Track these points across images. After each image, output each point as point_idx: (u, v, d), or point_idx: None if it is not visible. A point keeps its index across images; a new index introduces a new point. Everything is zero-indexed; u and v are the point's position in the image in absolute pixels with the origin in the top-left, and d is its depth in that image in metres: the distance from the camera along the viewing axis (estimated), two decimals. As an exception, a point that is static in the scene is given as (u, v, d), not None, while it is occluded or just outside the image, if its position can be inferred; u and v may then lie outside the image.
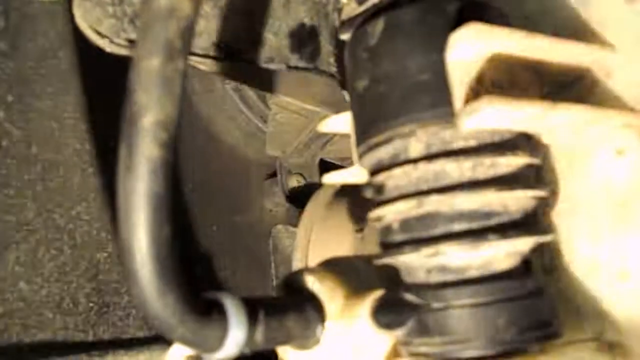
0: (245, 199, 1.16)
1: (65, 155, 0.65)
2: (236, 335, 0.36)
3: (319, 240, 0.72)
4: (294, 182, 1.14)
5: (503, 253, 0.37)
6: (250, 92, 1.13)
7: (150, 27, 0.29)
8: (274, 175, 1.18)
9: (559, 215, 0.43)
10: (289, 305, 0.40)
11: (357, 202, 0.71)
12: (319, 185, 1.09)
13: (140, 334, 0.75)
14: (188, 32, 0.30)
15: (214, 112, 1.12)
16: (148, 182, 0.30)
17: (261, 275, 1.10)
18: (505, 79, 0.37)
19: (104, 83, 0.74)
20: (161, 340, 0.78)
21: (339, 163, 1.18)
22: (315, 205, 0.76)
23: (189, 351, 0.37)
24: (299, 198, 1.12)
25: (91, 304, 0.68)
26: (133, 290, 0.32)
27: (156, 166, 0.30)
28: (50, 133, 0.64)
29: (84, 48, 0.66)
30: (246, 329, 0.36)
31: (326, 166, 1.18)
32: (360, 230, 0.68)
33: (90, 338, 0.67)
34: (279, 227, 1.04)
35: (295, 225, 1.02)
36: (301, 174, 1.15)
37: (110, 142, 0.73)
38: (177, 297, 0.32)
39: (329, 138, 1.08)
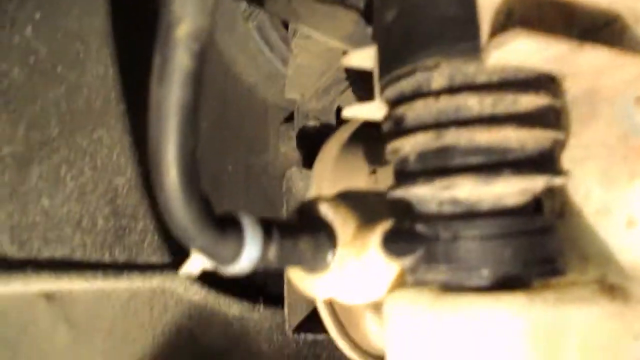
0: (261, 141, 1.17)
1: (88, 78, 0.66)
2: (251, 250, 0.37)
3: (332, 181, 0.73)
4: (311, 126, 1.14)
5: (515, 189, 0.37)
6: (272, 33, 1.12)
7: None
8: (291, 119, 1.19)
9: (574, 162, 0.43)
10: (303, 229, 0.42)
11: (372, 145, 0.72)
12: (336, 130, 1.10)
13: (154, 259, 0.78)
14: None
15: (235, 51, 1.12)
16: (179, 92, 0.31)
17: (273, 215, 1.12)
18: (534, 16, 0.37)
19: (131, 9, 0.75)
20: (173, 266, 0.81)
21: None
22: (330, 147, 0.77)
23: (206, 263, 0.38)
24: (315, 143, 1.13)
25: (109, 226, 0.70)
26: (159, 196, 0.33)
27: (187, 77, 0.31)
28: (75, 54, 0.64)
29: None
30: (261, 245, 0.38)
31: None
32: (374, 172, 0.69)
33: (107, 258, 0.70)
34: (293, 169, 1.05)
35: (309, 168, 1.03)
36: (318, 119, 1.15)
37: (133, 69, 0.73)
38: (199, 207, 0.34)
39: (348, 85, 1.08)
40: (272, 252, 0.39)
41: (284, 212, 1.10)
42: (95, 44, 0.67)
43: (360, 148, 0.72)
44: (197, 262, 0.40)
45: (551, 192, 0.43)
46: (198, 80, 0.31)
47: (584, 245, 0.43)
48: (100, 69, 0.68)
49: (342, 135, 0.76)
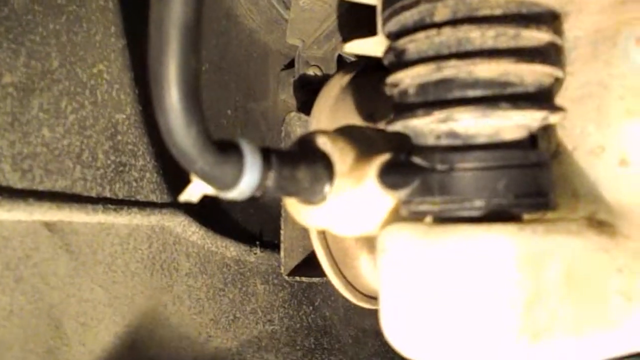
0: (261, 86, 1.17)
1: (89, 10, 0.65)
2: (250, 176, 0.38)
3: (331, 121, 0.73)
4: (311, 73, 1.13)
5: (513, 123, 0.38)
6: (275, -24, 1.10)
7: None
8: (291, 66, 1.18)
9: (573, 102, 0.43)
10: (301, 159, 0.42)
11: (371, 89, 0.72)
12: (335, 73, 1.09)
13: (153, 197, 0.79)
14: None
15: (238, -7, 1.10)
16: (179, 10, 0.31)
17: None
18: (540, -51, 0.36)
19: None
20: (171, 205, 0.82)
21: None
22: (329, 89, 0.77)
23: (205, 190, 0.39)
24: (315, 90, 1.13)
25: (109, 161, 0.71)
26: (159, 117, 0.33)
27: (188, -4, 0.31)
28: (75, -15, 0.64)
29: None
30: (260, 171, 0.39)
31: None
32: (371, 115, 0.70)
33: (107, 193, 0.71)
34: (292, 114, 1.05)
35: (308, 113, 1.03)
36: (319, 66, 1.14)
37: (135, 4, 0.72)
38: (199, 130, 0.34)
39: (349, 31, 1.06)
40: (271, 179, 0.39)
41: (283, 157, 1.10)
42: (95, -25, 0.66)
43: (359, 91, 0.73)
44: (196, 188, 0.41)
45: (547, 131, 0.43)
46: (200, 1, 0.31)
47: (576, 184, 0.43)
48: (100, 2, 0.67)
49: (341, 78, 0.76)
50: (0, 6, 0.56)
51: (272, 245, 1.05)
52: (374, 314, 0.51)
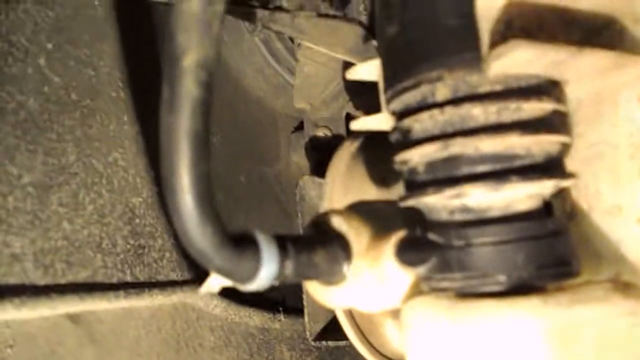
0: (272, 151, 1.18)
1: (101, 102, 0.68)
2: (268, 267, 0.38)
3: (344, 190, 0.74)
4: (321, 134, 1.15)
5: (524, 194, 0.38)
6: (278, 45, 1.14)
7: (190, -30, 0.31)
8: (300, 128, 1.20)
9: (583, 162, 0.43)
10: (318, 242, 0.43)
11: (381, 152, 0.73)
12: (346, 138, 1.11)
13: (174, 275, 0.79)
14: (226, -24, 0.31)
15: (242, 64, 1.13)
16: (189, 120, 0.32)
17: (288, 225, 1.13)
18: (533, 25, 0.37)
19: (139, 33, 0.76)
20: (192, 282, 0.82)
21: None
22: (340, 157, 0.78)
23: (225, 282, 0.39)
24: (326, 151, 1.14)
25: (128, 246, 0.71)
26: (175, 222, 0.34)
27: (196, 105, 0.32)
28: (87, 80, 0.66)
29: (118, -3, 0.67)
30: (277, 262, 0.39)
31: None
32: (384, 180, 0.70)
33: (128, 278, 0.71)
34: (306, 177, 1.06)
35: (322, 176, 1.04)
36: (328, 127, 1.16)
37: (144, 91, 0.75)
38: (214, 229, 0.35)
39: (356, 92, 1.08)
40: (289, 267, 0.40)
41: (299, 221, 1.11)
42: (105, 68, 0.69)
43: (370, 156, 0.73)
44: (216, 281, 0.41)
45: (561, 193, 0.43)
46: (207, 108, 0.32)
47: (597, 245, 0.43)
48: (112, 93, 0.70)
49: (352, 144, 0.77)
50: (17, 110, 0.58)
51: (295, 310, 1.04)
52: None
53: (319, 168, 1.13)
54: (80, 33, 0.66)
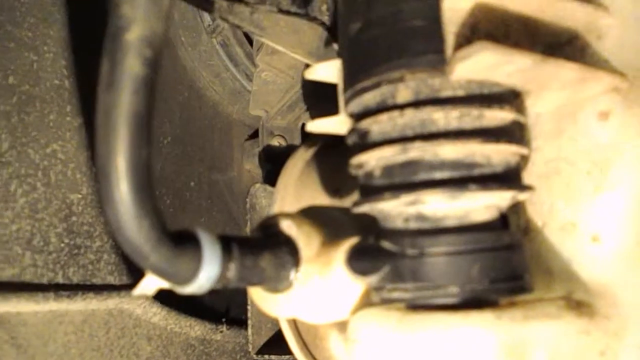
0: (225, 157, 1.16)
1: (42, 89, 0.63)
2: (209, 268, 0.36)
3: (295, 198, 0.72)
4: (275, 143, 1.13)
5: (482, 205, 0.37)
6: (237, 49, 1.11)
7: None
8: (255, 136, 1.17)
9: (540, 178, 0.43)
10: (265, 246, 0.40)
11: (336, 162, 0.71)
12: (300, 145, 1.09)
13: (111, 279, 0.75)
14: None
15: (199, 66, 1.11)
16: (130, 99, 0.29)
17: (236, 233, 1.10)
18: (499, 32, 0.36)
19: (87, 21, 0.72)
20: (131, 287, 0.77)
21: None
22: (293, 164, 0.75)
23: (161, 283, 0.36)
24: (279, 160, 1.12)
25: (62, 245, 0.67)
26: (108, 212, 0.31)
27: (139, 84, 0.29)
28: (29, 65, 0.62)
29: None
30: (220, 263, 0.36)
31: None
32: (337, 191, 0.68)
33: (60, 279, 0.67)
34: (257, 185, 1.03)
35: (274, 185, 1.01)
36: (283, 136, 1.14)
37: (91, 82, 0.71)
38: (152, 223, 0.32)
39: (313, 102, 1.07)
40: (232, 271, 0.37)
41: (248, 229, 1.08)
42: (50, 54, 0.64)
43: (324, 165, 0.71)
44: (152, 282, 0.38)
45: (516, 208, 0.42)
46: (151, 88, 0.30)
47: (550, 262, 0.42)
48: (55, 81, 0.65)
49: (306, 151, 0.75)
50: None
51: (239, 322, 1.01)
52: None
53: (272, 177, 1.11)
54: (24, 14, 0.61)
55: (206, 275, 0.35)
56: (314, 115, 1.13)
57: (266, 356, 0.97)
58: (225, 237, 0.38)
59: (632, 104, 0.39)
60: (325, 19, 0.52)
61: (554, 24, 0.39)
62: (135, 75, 0.29)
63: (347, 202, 0.66)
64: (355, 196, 0.44)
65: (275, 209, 0.71)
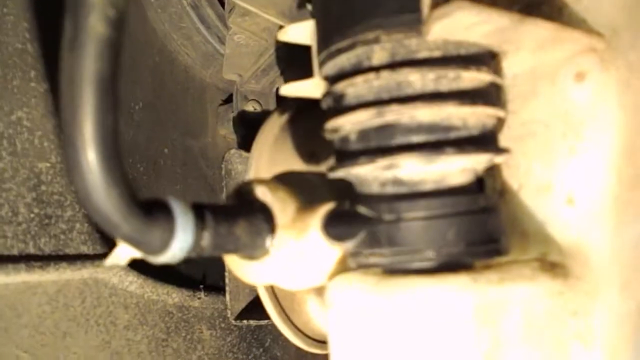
0: (199, 122, 1.14)
1: (4, 54, 0.61)
2: (182, 238, 0.35)
3: (271, 162, 0.71)
4: (250, 108, 1.11)
5: (458, 168, 0.37)
6: (208, 11, 1.08)
7: None
8: (229, 100, 1.15)
9: (515, 139, 0.43)
10: (239, 213, 0.39)
11: (311, 126, 0.70)
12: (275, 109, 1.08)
13: (84, 248, 0.73)
14: None
15: (170, 29, 1.08)
16: (94, 62, 0.28)
17: (212, 200, 1.09)
18: (476, -11, 0.35)
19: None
20: (105, 255, 0.76)
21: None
22: (268, 128, 0.74)
23: (134, 252, 0.36)
24: (254, 125, 1.10)
25: (32, 215, 0.65)
26: (75, 180, 0.30)
27: (103, 46, 0.28)
28: (-12, 28, 0.59)
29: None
30: (193, 232, 0.35)
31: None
32: (313, 155, 0.68)
33: (31, 249, 0.65)
34: (232, 151, 1.02)
35: (249, 150, 1.00)
36: (257, 101, 1.12)
37: (55, 46, 0.68)
38: (122, 191, 0.31)
39: (287, 65, 1.05)
40: (206, 239, 0.36)
41: (224, 196, 1.07)
42: (10, 16, 0.61)
43: (299, 129, 0.70)
44: (124, 251, 0.37)
45: (492, 170, 0.42)
46: (116, 50, 0.28)
47: (525, 224, 0.42)
48: (17, 45, 0.63)
49: (280, 116, 0.74)
50: None
51: (217, 288, 1.01)
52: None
53: (247, 142, 1.10)
54: (-18, -27, 0.58)
55: (179, 244, 0.35)
56: (288, 79, 1.11)
57: (245, 321, 0.97)
58: (198, 205, 0.37)
59: (609, 65, 0.39)
60: (298, -23, 0.50)
61: (531, -18, 0.39)
62: (99, 37, 0.28)
63: (323, 166, 0.65)
64: (331, 160, 0.43)
65: (251, 174, 0.70)
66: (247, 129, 1.11)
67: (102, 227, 0.32)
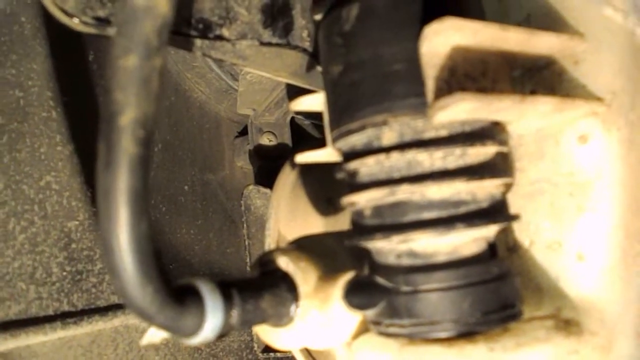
0: (216, 156, 1.16)
1: (31, 124, 0.64)
2: (213, 320, 0.37)
3: (290, 210, 0.73)
4: (265, 140, 1.14)
5: (470, 239, 0.38)
6: (219, 50, 1.11)
7: (127, 25, 0.29)
8: (244, 132, 1.18)
9: (525, 198, 0.44)
10: (264, 286, 0.42)
11: (326, 173, 0.72)
12: (290, 144, 1.10)
13: (115, 298, 0.76)
14: (165, 30, 0.29)
15: (183, 69, 1.10)
16: (127, 178, 0.30)
17: (233, 232, 1.11)
18: (477, 70, 0.37)
19: (69, 49, 0.72)
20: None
21: (310, 121, 1.18)
22: (284, 180, 0.76)
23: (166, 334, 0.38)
24: (270, 156, 1.13)
25: (64, 273, 0.68)
26: (115, 283, 0.32)
27: (134, 163, 0.30)
28: (15, 102, 0.62)
29: (47, 13, 0.63)
30: (222, 313, 0.38)
31: (298, 126, 1.19)
32: (330, 200, 0.69)
33: (65, 306, 0.68)
34: (251, 187, 1.05)
35: (266, 185, 1.03)
36: (272, 132, 1.15)
37: (77, 109, 0.71)
38: (155, 288, 0.33)
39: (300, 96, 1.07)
40: (235, 317, 0.39)
41: (244, 231, 1.09)
42: (34, 88, 0.65)
43: (314, 176, 0.72)
44: (157, 332, 0.39)
45: (504, 229, 0.44)
46: (146, 165, 0.31)
47: (538, 278, 0.44)
48: (43, 114, 0.66)
49: (293, 165, 0.76)
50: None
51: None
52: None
53: (264, 175, 1.12)
54: (7, 52, 0.61)
55: (210, 326, 0.37)
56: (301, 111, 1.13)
57: (271, 354, 1.00)
58: (224, 283, 0.39)
59: (611, 125, 0.40)
60: (307, 45, 0.52)
61: (531, 51, 0.40)
62: (130, 156, 0.30)
63: (340, 212, 0.67)
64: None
65: (271, 225, 0.72)
66: (263, 160, 1.14)
67: (139, 318, 0.35)
